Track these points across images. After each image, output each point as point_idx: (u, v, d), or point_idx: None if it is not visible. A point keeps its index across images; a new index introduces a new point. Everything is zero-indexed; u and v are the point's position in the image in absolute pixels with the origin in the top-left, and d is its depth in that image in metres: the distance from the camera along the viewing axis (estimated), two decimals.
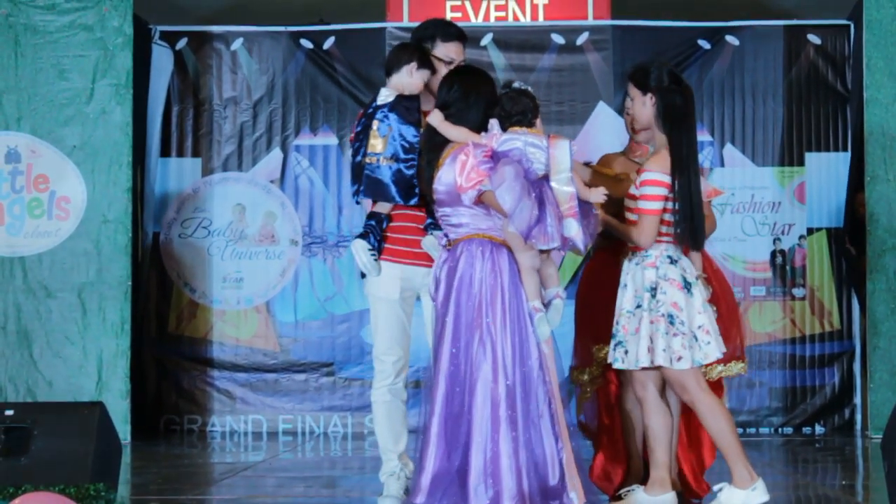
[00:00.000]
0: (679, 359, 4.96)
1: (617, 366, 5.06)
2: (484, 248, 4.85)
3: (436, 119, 5.00)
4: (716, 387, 5.40)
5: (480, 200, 4.84)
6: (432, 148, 5.01)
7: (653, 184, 4.99)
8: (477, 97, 4.99)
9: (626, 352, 5.02)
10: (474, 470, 4.67)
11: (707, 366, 5.33)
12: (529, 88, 5.08)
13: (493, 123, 4.94)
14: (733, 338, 5.49)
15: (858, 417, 9.08)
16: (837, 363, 9.14)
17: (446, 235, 4.99)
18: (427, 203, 5.20)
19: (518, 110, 5.00)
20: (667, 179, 4.99)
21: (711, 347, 5.02)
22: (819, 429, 9.09)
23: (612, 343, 5.11)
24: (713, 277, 5.48)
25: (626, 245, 5.19)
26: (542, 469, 4.76)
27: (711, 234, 5.50)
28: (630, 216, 5.12)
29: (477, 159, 4.76)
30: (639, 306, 5.00)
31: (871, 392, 8.53)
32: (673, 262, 5.03)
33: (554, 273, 5.03)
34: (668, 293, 4.98)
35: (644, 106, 5.15)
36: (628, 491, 5.23)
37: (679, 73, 5.20)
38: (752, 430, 9.00)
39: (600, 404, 5.67)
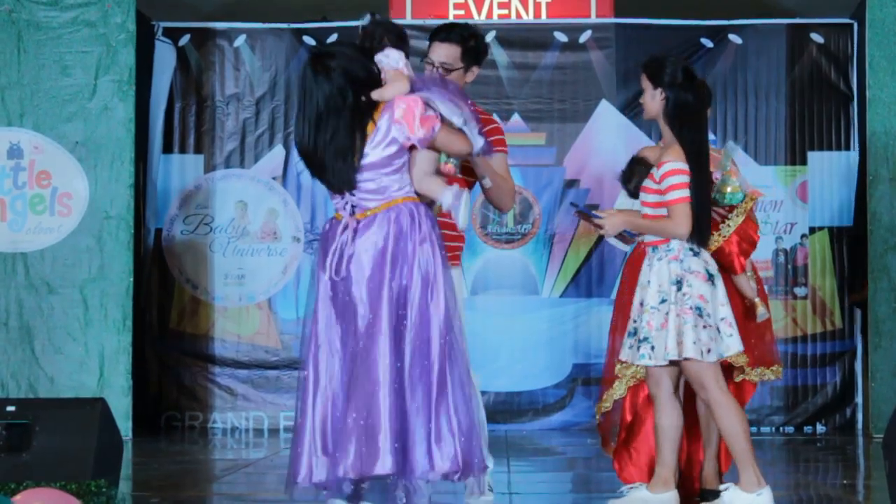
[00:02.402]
0: (709, 351, 4.95)
1: (644, 362, 5.01)
2: (413, 213, 4.65)
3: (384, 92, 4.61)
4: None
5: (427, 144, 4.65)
6: (352, 132, 4.61)
7: (676, 173, 4.97)
8: (364, 54, 4.70)
9: (653, 347, 4.99)
10: (419, 437, 4.57)
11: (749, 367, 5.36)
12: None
13: (400, 54, 4.66)
14: (769, 341, 5.52)
15: (860, 417, 9.08)
16: (839, 362, 9.13)
17: (350, 205, 4.67)
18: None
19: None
20: (686, 168, 4.98)
21: (733, 340, 5.01)
22: (820, 428, 9.08)
23: (635, 340, 5.05)
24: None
25: (642, 244, 5.18)
26: (471, 433, 4.64)
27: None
28: (645, 210, 5.10)
29: (422, 106, 4.65)
30: (663, 301, 4.98)
31: (873, 391, 8.53)
32: (695, 254, 5.02)
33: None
34: (694, 286, 4.96)
35: (653, 100, 5.10)
36: (631, 488, 5.22)
37: (694, 71, 5.17)
38: (754, 430, 8.95)
39: (628, 402, 5.62)
